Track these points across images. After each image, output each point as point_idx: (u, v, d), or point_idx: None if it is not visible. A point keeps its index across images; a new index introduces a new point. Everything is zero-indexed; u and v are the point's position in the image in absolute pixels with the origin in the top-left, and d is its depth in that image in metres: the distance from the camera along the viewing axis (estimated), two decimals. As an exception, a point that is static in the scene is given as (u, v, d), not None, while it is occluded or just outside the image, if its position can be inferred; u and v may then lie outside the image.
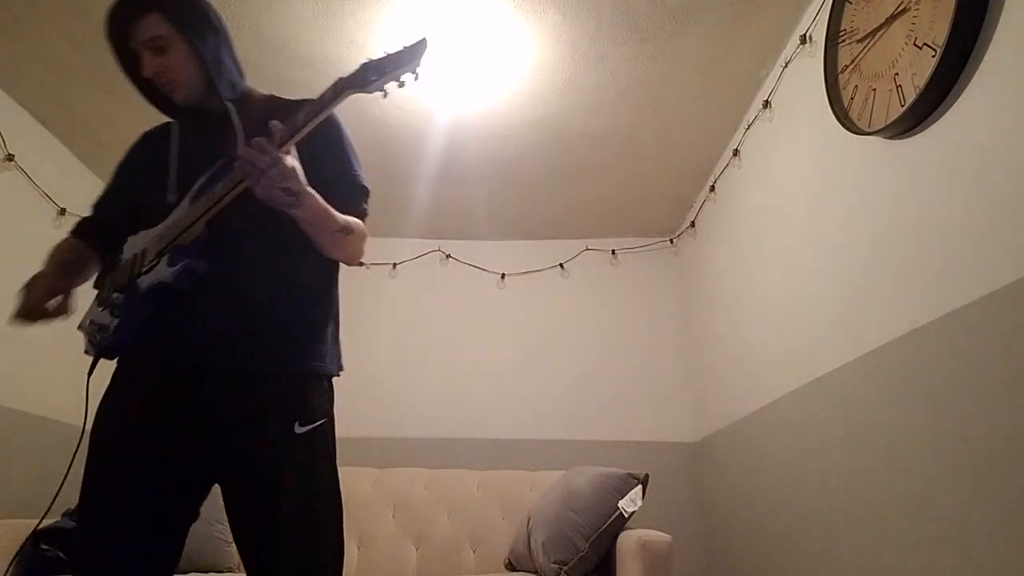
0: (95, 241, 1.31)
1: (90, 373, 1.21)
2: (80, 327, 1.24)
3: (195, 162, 1.21)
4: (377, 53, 1.06)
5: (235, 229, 1.15)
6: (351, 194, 1.26)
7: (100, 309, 1.20)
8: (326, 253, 1.23)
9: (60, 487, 1.28)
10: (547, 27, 2.10)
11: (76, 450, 1.22)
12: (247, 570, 1.14)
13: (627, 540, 1.90)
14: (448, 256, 3.45)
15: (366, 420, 3.08)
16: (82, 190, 2.87)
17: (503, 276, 3.45)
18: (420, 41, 1.04)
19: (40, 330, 2.61)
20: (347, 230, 1.18)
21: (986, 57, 1.27)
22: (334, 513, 1.16)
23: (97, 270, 1.31)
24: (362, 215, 1.27)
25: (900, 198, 1.54)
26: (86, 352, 1.21)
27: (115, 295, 1.16)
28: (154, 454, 1.09)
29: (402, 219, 3.27)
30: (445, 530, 2.53)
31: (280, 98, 1.34)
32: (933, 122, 1.42)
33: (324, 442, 1.17)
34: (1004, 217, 1.22)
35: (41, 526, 2.19)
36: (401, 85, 1.07)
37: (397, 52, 1.04)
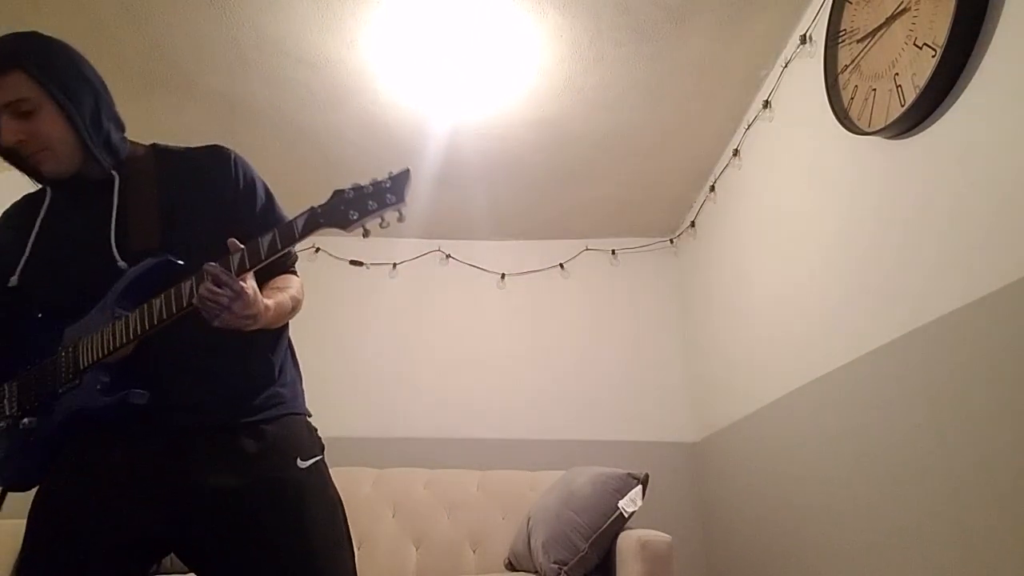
0: None
1: None
2: None
3: (62, 244, 1.05)
4: (355, 179, 0.94)
5: (174, 341, 1.00)
6: (284, 258, 1.05)
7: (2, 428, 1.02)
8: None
9: None
10: (547, 27, 2.10)
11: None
12: None
13: (627, 540, 1.90)
14: (448, 256, 3.44)
15: (366, 420, 3.08)
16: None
17: (503, 276, 3.44)
18: (403, 172, 0.94)
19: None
20: (296, 309, 1.11)
21: (986, 57, 1.27)
22: (348, 540, 1.11)
23: None
24: (294, 270, 1.18)
25: (900, 198, 1.54)
26: None
27: (25, 420, 1.00)
28: (114, 529, 0.97)
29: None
30: (445, 530, 2.53)
31: (162, 145, 1.18)
32: (933, 122, 1.42)
33: (326, 474, 1.11)
34: (1004, 217, 1.22)
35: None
36: (384, 225, 0.94)
37: (377, 185, 0.93)
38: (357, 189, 0.93)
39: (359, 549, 2.47)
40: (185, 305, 0.94)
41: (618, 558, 1.94)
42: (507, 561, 2.36)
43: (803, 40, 2.02)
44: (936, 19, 1.36)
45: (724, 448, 2.73)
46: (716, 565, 2.80)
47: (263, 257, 0.93)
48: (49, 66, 1.01)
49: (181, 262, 1.01)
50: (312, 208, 0.94)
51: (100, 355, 0.98)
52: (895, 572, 1.51)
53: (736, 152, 2.59)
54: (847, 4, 1.75)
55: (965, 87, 1.33)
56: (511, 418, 3.18)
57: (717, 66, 2.27)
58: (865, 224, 1.69)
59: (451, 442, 3.10)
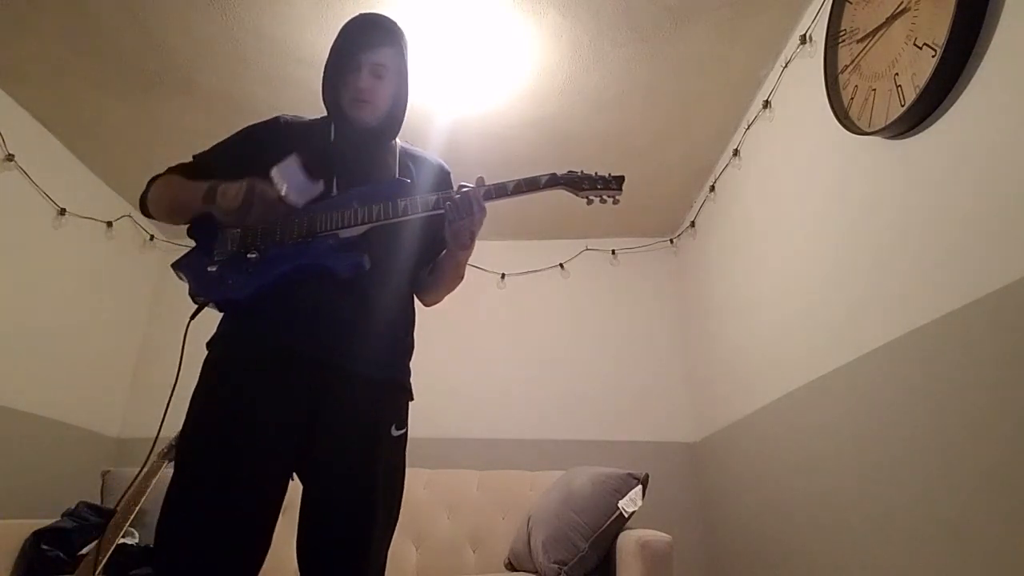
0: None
1: (193, 316, 1.24)
2: (181, 268, 1.26)
3: (352, 166, 1.32)
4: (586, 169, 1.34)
5: (385, 245, 1.27)
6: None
7: (222, 260, 1.23)
8: (435, 290, 1.45)
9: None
10: (547, 27, 2.10)
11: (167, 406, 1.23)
12: (309, 549, 1.16)
13: (627, 540, 1.90)
14: (448, 256, 3.44)
15: (366, 420, 3.08)
16: (82, 190, 2.87)
17: (503, 276, 3.45)
18: (621, 176, 1.33)
19: (40, 331, 2.62)
20: (460, 279, 1.41)
21: (986, 57, 1.27)
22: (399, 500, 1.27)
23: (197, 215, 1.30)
24: None
25: (900, 198, 1.54)
26: (197, 296, 1.22)
27: (251, 255, 1.21)
28: (271, 430, 1.13)
29: (402, 219, 3.27)
30: (445, 530, 2.53)
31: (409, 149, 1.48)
32: (933, 122, 1.42)
33: (404, 446, 1.29)
34: (1004, 217, 1.22)
35: (41, 526, 2.20)
36: (603, 201, 1.33)
37: (604, 175, 1.33)
38: (588, 174, 1.33)
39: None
40: (432, 208, 1.24)
41: (618, 558, 1.94)
42: (507, 561, 2.36)
43: (803, 40, 2.02)
44: (936, 19, 1.36)
45: (724, 448, 2.73)
46: (716, 565, 2.80)
47: (508, 193, 1.28)
48: (406, 54, 1.36)
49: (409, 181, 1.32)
50: (554, 173, 1.32)
51: (336, 225, 1.22)
52: (895, 572, 1.51)
53: (736, 152, 2.59)
54: (847, 4, 1.75)
55: (965, 87, 1.33)
56: (511, 418, 3.18)
57: (717, 66, 2.27)
58: (865, 224, 1.69)
59: (451, 442, 3.10)
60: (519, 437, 3.13)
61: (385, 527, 1.20)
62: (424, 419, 3.14)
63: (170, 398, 1.21)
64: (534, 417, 3.18)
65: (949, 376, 1.35)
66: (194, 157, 1.36)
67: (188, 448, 1.13)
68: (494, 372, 3.27)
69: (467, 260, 1.35)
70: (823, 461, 1.87)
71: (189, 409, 1.16)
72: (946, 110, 1.38)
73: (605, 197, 1.31)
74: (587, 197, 1.31)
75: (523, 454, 3.03)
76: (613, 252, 3.46)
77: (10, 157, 2.49)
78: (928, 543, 1.40)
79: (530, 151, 2.76)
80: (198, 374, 1.19)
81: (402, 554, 2.46)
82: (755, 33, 2.12)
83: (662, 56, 2.22)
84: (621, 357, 3.28)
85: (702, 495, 2.98)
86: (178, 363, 1.20)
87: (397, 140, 1.43)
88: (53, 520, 2.24)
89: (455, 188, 1.28)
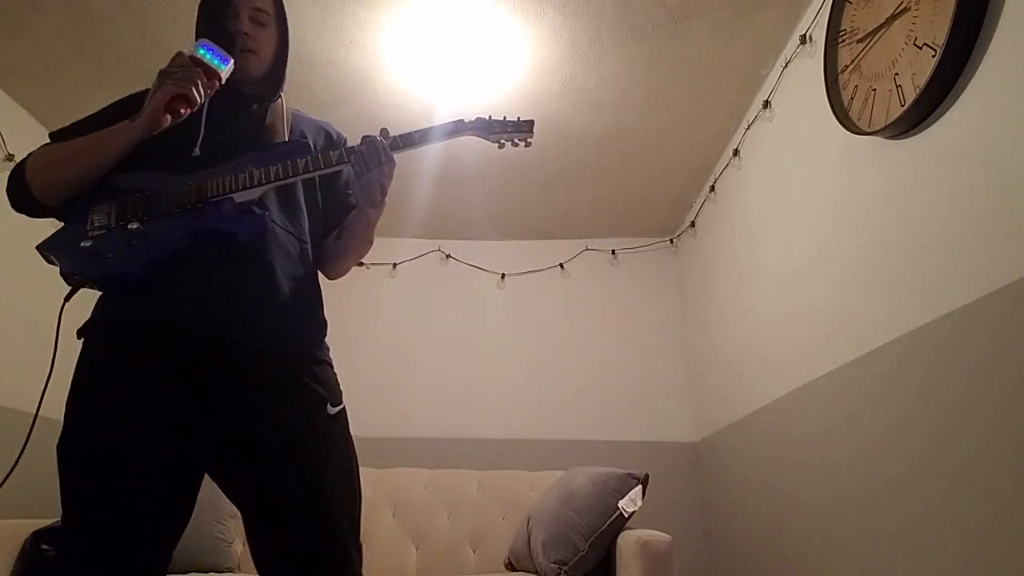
0: None
1: (67, 299, 1.12)
2: (49, 249, 1.12)
3: (231, 130, 1.22)
4: (483, 112, 1.31)
5: (286, 209, 1.19)
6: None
7: (98, 233, 1.09)
8: (343, 258, 1.34)
9: (8, 474, 1.14)
10: (547, 27, 2.10)
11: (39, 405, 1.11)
12: (264, 536, 1.07)
13: (627, 540, 1.90)
14: (448, 256, 3.44)
15: (366, 420, 3.07)
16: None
17: (503, 276, 3.45)
18: (531, 120, 1.33)
19: (39, 328, 2.61)
20: (370, 244, 1.33)
21: (986, 57, 1.27)
22: (357, 481, 1.16)
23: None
24: None
25: (900, 198, 1.54)
26: (70, 275, 1.08)
27: (132, 225, 1.08)
28: (154, 428, 1.01)
29: (402, 219, 3.27)
30: (445, 530, 2.53)
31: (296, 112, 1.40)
32: (933, 122, 1.42)
33: (346, 424, 1.18)
34: (1004, 217, 1.22)
35: (41, 526, 2.20)
36: (514, 144, 1.31)
37: (514, 120, 1.31)
38: (495, 119, 1.28)
39: (359, 549, 2.47)
40: (335, 163, 1.16)
41: (618, 558, 1.94)
42: (507, 561, 2.36)
43: (803, 40, 2.02)
44: (936, 19, 1.36)
45: (724, 448, 2.73)
46: (716, 565, 2.80)
47: (415, 143, 1.20)
48: (282, 5, 1.30)
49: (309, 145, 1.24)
50: (460, 120, 1.25)
51: (230, 188, 1.12)
52: (895, 571, 1.51)
53: (736, 152, 2.59)
54: (847, 4, 1.75)
55: (965, 87, 1.33)
56: (511, 418, 3.18)
57: (717, 66, 2.27)
58: (865, 224, 1.69)
59: (451, 442, 3.10)
60: (519, 437, 3.13)
61: (349, 522, 1.09)
62: (424, 419, 3.17)
63: (44, 390, 1.11)
64: (534, 417, 3.18)
65: (949, 376, 1.35)
66: (59, 130, 1.23)
67: (66, 456, 1.02)
68: (494, 372, 3.27)
69: (377, 220, 1.27)
70: (823, 461, 1.87)
71: (67, 408, 1.04)
72: (946, 110, 1.38)
73: (516, 140, 1.30)
74: (498, 141, 1.29)
75: (523, 454, 3.03)
76: (613, 252, 3.46)
77: (10, 157, 2.49)
78: (928, 542, 1.40)
79: (530, 151, 2.76)
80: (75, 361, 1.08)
81: (402, 554, 2.46)
82: (755, 33, 2.12)
83: (662, 56, 2.22)
84: (621, 357, 3.28)
85: (702, 495, 2.98)
86: (52, 352, 1.08)
87: (286, 104, 1.32)
88: (53, 520, 2.24)
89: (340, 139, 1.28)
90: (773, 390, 2.22)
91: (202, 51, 1.14)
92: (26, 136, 2.58)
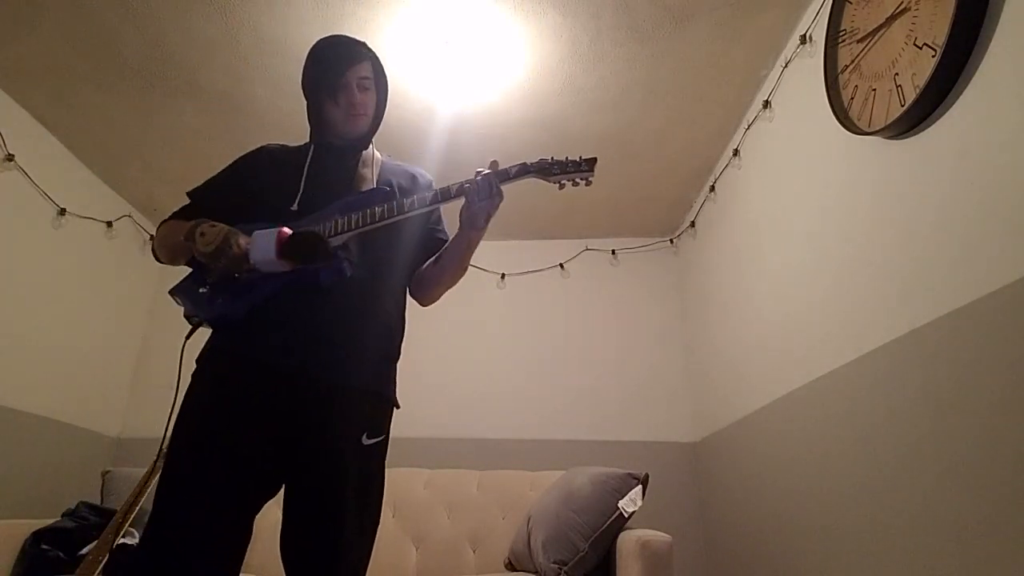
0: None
1: (188, 336, 1.32)
2: (176, 292, 1.32)
3: (326, 183, 1.36)
4: (555, 155, 1.34)
5: (369, 252, 1.31)
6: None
7: (212, 281, 1.27)
8: (438, 283, 1.46)
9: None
10: (547, 27, 2.10)
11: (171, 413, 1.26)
12: (295, 548, 1.21)
13: (627, 540, 1.90)
14: (448, 256, 3.44)
15: (366, 420, 3.08)
16: (82, 190, 2.87)
17: (503, 276, 3.45)
18: (593, 159, 1.31)
19: (39, 332, 2.62)
20: (465, 271, 1.44)
21: (986, 57, 1.27)
22: (379, 508, 1.36)
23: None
24: None
25: (900, 198, 1.54)
26: (191, 317, 1.30)
27: (236, 274, 1.25)
28: (245, 441, 1.17)
29: (402, 219, 3.27)
30: (445, 530, 2.53)
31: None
32: (933, 122, 1.42)
33: (380, 454, 1.34)
34: (1004, 217, 1.22)
35: (41, 526, 2.20)
36: (575, 184, 1.32)
37: (575, 159, 1.32)
38: (561, 160, 1.30)
39: (359, 549, 2.47)
40: (433, 202, 1.29)
41: (618, 558, 1.94)
42: (507, 561, 2.36)
43: (803, 40, 2.02)
44: (936, 19, 1.36)
45: (724, 448, 2.73)
46: (716, 565, 2.80)
47: (511, 177, 1.28)
48: (379, 66, 1.47)
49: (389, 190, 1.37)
50: (524, 162, 1.30)
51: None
52: (895, 571, 1.51)
53: (736, 152, 2.59)
54: (847, 4, 1.75)
55: (965, 87, 1.33)
56: (511, 418, 3.18)
57: (717, 66, 2.27)
58: (865, 224, 1.69)
59: (451, 442, 3.11)
60: (519, 437, 3.13)
61: (359, 534, 1.25)
62: (424, 419, 3.17)
63: (172, 410, 1.25)
64: (534, 417, 3.18)
65: (949, 376, 1.35)
66: (188, 194, 1.41)
67: (171, 456, 1.18)
68: (494, 372, 3.27)
69: (477, 244, 1.38)
70: (823, 461, 1.87)
71: (177, 417, 1.21)
72: (946, 110, 1.38)
73: (577, 180, 1.31)
74: (559, 182, 1.32)
75: (523, 454, 3.03)
76: (613, 252, 3.46)
77: (10, 157, 2.49)
78: (928, 543, 1.40)
79: (530, 151, 2.76)
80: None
81: (402, 554, 2.46)
82: (755, 33, 2.12)
83: (662, 56, 2.22)
84: (621, 357, 3.28)
85: (702, 495, 2.98)
86: (176, 380, 1.26)
87: (377, 152, 1.49)
88: (53, 520, 2.24)
89: (444, 189, 1.33)
90: (773, 390, 2.22)
91: (252, 240, 1.22)
92: (26, 136, 2.58)
